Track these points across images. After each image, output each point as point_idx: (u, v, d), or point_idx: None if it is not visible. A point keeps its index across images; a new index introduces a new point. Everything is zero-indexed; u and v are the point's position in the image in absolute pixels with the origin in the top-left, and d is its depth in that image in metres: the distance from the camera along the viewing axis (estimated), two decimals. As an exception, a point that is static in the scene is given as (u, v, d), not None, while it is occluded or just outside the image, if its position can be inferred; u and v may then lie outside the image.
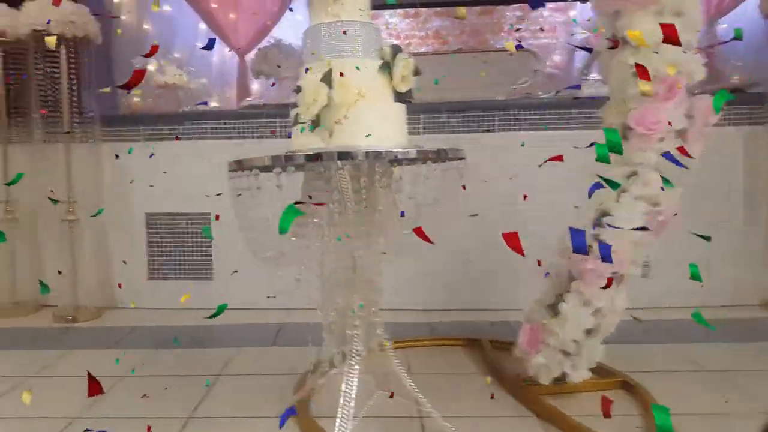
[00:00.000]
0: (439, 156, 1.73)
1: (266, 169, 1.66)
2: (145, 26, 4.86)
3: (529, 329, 2.12)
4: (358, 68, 1.73)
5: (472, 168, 1.86)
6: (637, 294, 2.09)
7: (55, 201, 2.33)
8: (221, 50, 5.43)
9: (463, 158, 1.80)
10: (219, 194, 1.96)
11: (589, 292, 1.99)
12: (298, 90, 1.71)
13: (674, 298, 2.99)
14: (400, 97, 1.85)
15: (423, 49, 6.56)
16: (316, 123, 1.69)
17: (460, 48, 6.09)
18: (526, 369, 2.11)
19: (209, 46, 1.95)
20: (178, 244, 3.32)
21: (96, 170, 3.24)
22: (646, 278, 2.06)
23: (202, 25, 5.03)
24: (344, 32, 1.76)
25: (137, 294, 3.34)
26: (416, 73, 1.86)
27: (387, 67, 1.81)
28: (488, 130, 3.19)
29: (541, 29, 5.28)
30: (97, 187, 3.27)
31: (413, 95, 1.88)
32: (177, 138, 3.12)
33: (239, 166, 1.68)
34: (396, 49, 1.83)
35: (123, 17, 4.75)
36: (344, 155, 1.60)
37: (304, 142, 1.76)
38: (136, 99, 3.50)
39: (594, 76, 3.42)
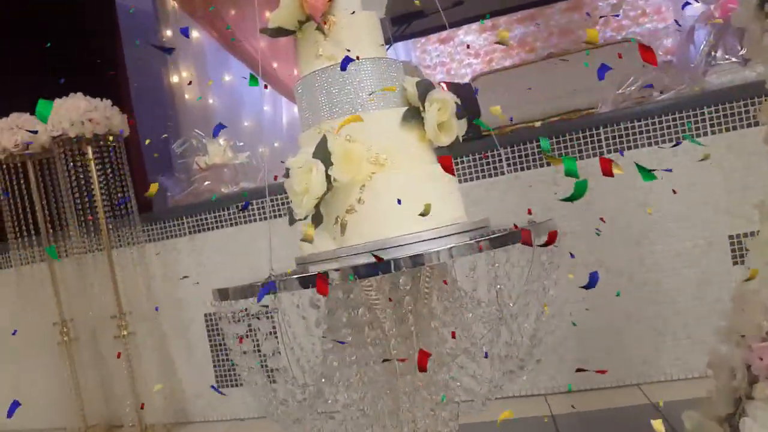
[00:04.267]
0: (514, 237, 1.11)
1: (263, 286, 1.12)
2: (210, 101, 4.68)
3: (700, 460, 1.40)
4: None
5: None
6: None
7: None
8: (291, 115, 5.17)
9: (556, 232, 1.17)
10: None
11: (787, 399, 1.26)
12: (287, 174, 1.18)
13: None
14: (442, 151, 1.28)
15: (507, 63, 5.95)
16: (317, 219, 1.14)
17: (551, 53, 5.41)
18: None
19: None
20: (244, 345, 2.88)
21: (145, 275, 2.91)
22: None
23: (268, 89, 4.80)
24: (341, 88, 1.21)
25: (209, 405, 2.94)
26: (461, 115, 1.27)
27: (415, 115, 1.24)
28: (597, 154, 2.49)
29: (644, 12, 4.50)
30: (148, 294, 2.94)
31: (460, 143, 1.29)
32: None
33: (222, 294, 1.17)
34: (425, 87, 1.24)
35: (187, 96, 4.61)
36: (365, 269, 1.01)
37: (310, 246, 1.22)
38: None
39: (723, 59, 2.60)
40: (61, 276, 2.93)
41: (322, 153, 1.13)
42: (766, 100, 1.39)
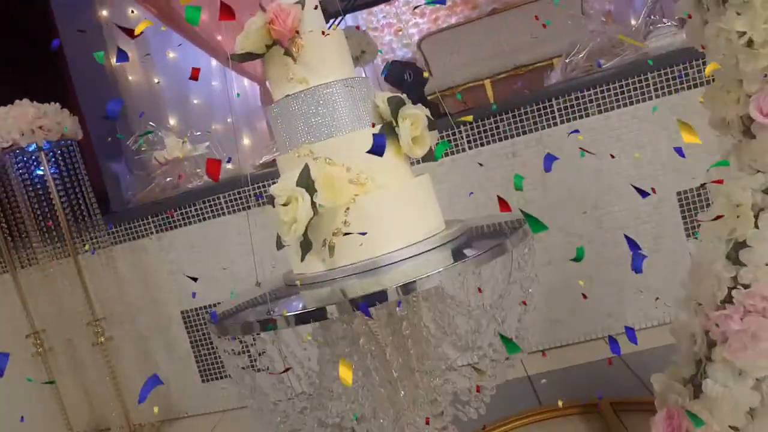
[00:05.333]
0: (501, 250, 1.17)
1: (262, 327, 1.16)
2: (156, 80, 4.55)
3: (666, 418, 1.54)
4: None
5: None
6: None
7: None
8: (242, 89, 5.07)
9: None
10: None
11: (742, 361, 1.39)
12: (271, 201, 1.21)
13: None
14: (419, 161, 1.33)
15: (453, 20, 5.97)
16: (306, 247, 1.19)
17: (494, 8, 5.44)
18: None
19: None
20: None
21: (116, 278, 2.89)
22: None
23: (214, 62, 4.68)
24: (316, 111, 1.24)
25: (192, 400, 2.99)
26: (432, 126, 1.32)
27: (390, 132, 1.28)
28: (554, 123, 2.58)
29: None
30: (121, 296, 2.92)
31: (436, 154, 1.34)
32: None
33: (221, 330, 1.20)
34: (396, 103, 1.29)
35: (130, 78, 4.47)
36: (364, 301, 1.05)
37: (299, 264, 1.27)
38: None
39: (661, 22, 2.70)
40: (27, 286, 2.88)
41: (306, 181, 1.16)
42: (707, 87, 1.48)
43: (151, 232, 2.90)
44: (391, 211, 1.21)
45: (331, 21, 3.93)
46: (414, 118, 1.27)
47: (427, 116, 1.29)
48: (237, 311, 1.30)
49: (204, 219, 2.84)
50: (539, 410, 2.18)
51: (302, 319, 1.02)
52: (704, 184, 1.47)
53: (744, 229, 1.38)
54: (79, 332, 2.83)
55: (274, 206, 1.19)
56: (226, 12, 0.92)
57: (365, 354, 1.08)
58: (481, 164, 2.52)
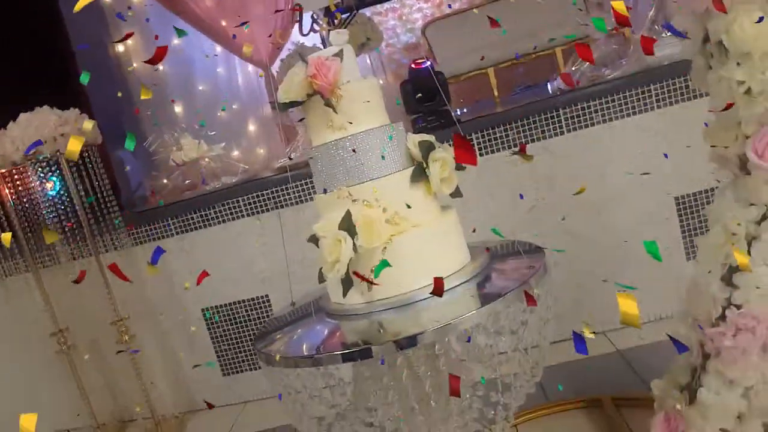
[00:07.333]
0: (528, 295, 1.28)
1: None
2: (160, 67, 4.57)
3: (664, 421, 1.71)
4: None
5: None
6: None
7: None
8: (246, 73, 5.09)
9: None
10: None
11: (732, 372, 1.55)
12: (315, 240, 1.34)
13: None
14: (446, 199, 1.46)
15: (457, 5, 5.99)
16: (347, 284, 1.32)
17: (490, -5, 5.47)
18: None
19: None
20: (242, 335, 3.09)
21: (137, 277, 3.02)
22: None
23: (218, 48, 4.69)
24: (353, 150, 1.36)
25: (215, 393, 3.15)
26: (459, 167, 1.45)
27: (421, 173, 1.41)
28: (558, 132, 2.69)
29: None
30: (143, 295, 3.06)
31: (460, 191, 1.47)
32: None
33: (268, 360, 1.34)
34: (427, 147, 1.41)
35: (134, 64, 4.48)
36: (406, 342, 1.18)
37: (340, 297, 1.40)
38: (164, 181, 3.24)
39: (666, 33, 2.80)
40: (50, 286, 2.99)
41: (347, 224, 1.29)
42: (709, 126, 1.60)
43: (172, 234, 3.02)
44: (423, 248, 1.35)
45: (344, 16, 3.98)
46: (443, 160, 1.39)
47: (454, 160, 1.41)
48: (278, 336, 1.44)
49: (223, 221, 2.97)
50: (545, 405, 2.35)
51: (350, 357, 1.16)
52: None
53: (738, 255, 1.51)
54: (103, 331, 2.96)
55: (318, 246, 1.32)
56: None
57: (405, 387, 1.22)
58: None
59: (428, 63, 2.94)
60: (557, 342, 2.83)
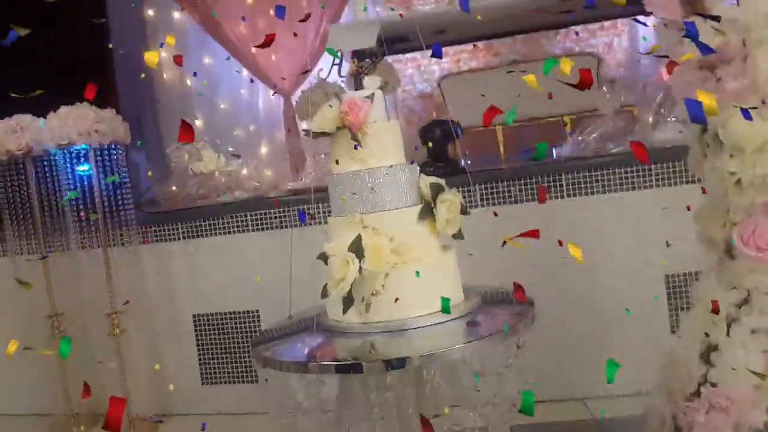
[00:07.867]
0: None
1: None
2: (188, 81, 4.74)
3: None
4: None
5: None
6: None
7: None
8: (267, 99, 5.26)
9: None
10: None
11: (704, 451, 1.62)
12: (324, 258, 1.44)
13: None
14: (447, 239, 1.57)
15: (474, 64, 6.20)
16: (348, 303, 1.42)
17: (515, 59, 5.69)
18: None
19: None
20: (227, 346, 3.15)
21: (138, 275, 3.10)
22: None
23: (245, 72, 4.88)
24: (372, 189, 1.47)
25: (191, 400, 3.19)
26: (464, 211, 1.56)
27: (429, 212, 1.52)
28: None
29: (601, 27, 4.82)
30: (141, 292, 3.14)
31: (462, 234, 1.58)
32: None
33: (263, 363, 1.43)
34: (437, 189, 1.53)
35: (165, 76, 4.65)
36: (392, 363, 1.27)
37: (338, 314, 1.50)
38: (173, 188, 3.36)
39: (669, 117, 2.96)
40: (56, 271, 3.07)
41: (357, 247, 1.40)
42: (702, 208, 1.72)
43: (179, 237, 3.12)
44: (422, 281, 1.45)
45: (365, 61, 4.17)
46: (450, 203, 1.51)
47: (461, 203, 1.53)
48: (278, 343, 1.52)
49: (228, 233, 3.07)
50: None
51: (342, 369, 1.25)
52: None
53: (717, 335, 1.61)
54: (97, 321, 3.03)
55: (326, 263, 1.42)
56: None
57: (390, 407, 1.30)
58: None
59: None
60: (535, 402, 2.89)
